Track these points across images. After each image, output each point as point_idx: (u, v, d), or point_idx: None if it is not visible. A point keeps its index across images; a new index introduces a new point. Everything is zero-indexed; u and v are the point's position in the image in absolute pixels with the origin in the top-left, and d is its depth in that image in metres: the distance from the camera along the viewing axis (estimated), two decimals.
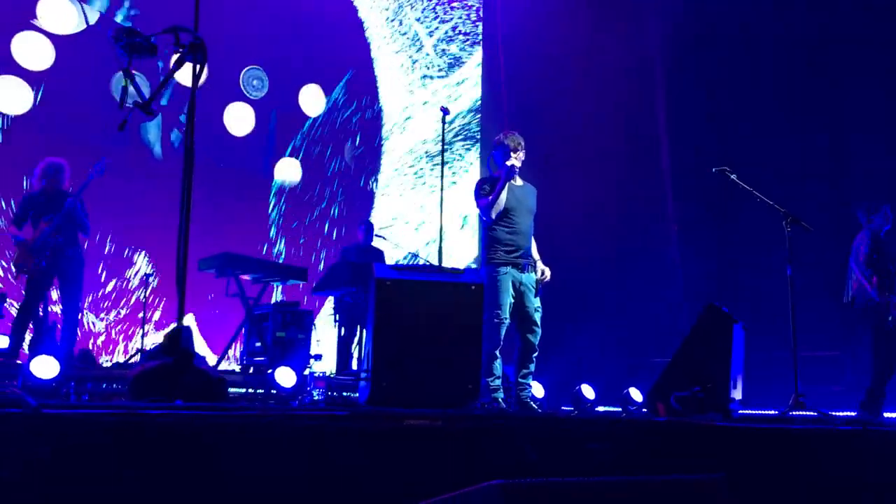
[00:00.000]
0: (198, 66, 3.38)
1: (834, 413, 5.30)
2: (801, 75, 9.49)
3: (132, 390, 3.17)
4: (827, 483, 3.49)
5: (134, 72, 3.45)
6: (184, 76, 3.62)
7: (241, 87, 9.70)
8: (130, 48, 3.50)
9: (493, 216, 4.98)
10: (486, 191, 5.06)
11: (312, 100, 10.35)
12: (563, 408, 7.00)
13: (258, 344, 6.93)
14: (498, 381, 4.89)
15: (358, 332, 7.53)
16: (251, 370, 6.93)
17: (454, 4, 11.61)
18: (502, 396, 4.92)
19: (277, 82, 10.01)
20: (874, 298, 6.15)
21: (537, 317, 5.04)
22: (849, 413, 6.66)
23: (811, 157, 9.39)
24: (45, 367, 4.61)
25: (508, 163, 5.01)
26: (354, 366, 7.45)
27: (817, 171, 9.34)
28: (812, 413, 4.83)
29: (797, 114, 9.41)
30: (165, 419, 2.43)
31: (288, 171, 10.13)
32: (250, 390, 6.37)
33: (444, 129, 5.29)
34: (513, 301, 4.93)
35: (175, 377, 3.04)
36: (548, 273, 5.15)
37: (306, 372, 6.29)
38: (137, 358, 6.98)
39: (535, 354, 5.09)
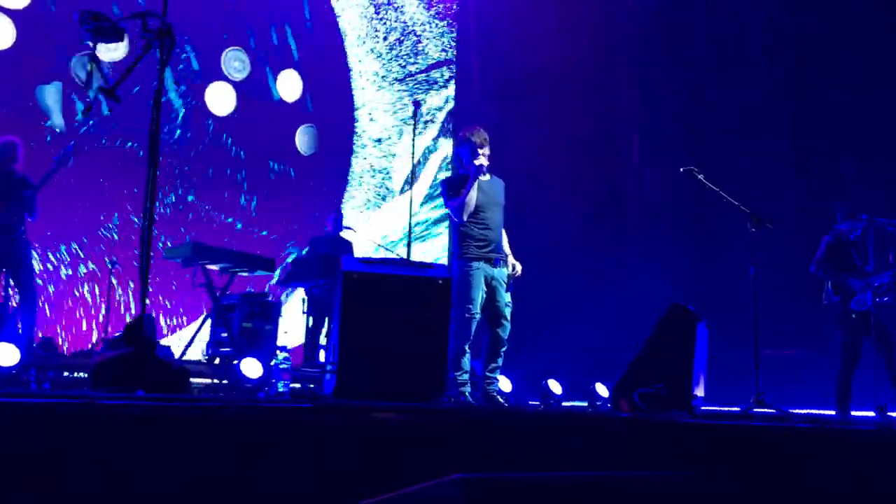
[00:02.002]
0: (166, 52, 3.34)
1: (796, 410, 5.39)
2: (771, 74, 9.62)
3: (93, 379, 3.13)
4: (785, 479, 3.54)
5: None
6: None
7: (223, 68, 9.60)
8: (97, 32, 3.44)
9: (465, 217, 4.97)
10: (454, 190, 5.04)
11: (290, 86, 10.25)
12: (529, 402, 7.04)
13: (224, 334, 6.87)
14: (466, 376, 4.89)
15: (326, 325, 7.50)
16: (217, 361, 6.87)
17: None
18: (469, 391, 4.93)
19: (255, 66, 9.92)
20: (832, 299, 6.28)
21: (508, 312, 5.06)
22: (812, 410, 6.78)
23: (779, 156, 9.52)
24: (4, 355, 4.54)
25: (477, 162, 4.99)
26: (322, 358, 7.42)
27: (785, 169, 9.47)
28: (772, 410, 4.91)
29: (765, 113, 9.53)
30: (125, 409, 2.40)
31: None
32: (215, 381, 6.32)
33: (415, 123, 5.27)
34: (484, 296, 4.93)
35: (136, 367, 3.00)
36: (519, 268, 5.16)
37: (273, 363, 6.25)
38: (100, 347, 6.89)
39: (504, 349, 5.10)
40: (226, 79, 9.63)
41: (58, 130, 8.27)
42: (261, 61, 10.00)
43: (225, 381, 6.24)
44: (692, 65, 10.14)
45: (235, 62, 9.70)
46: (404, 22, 11.39)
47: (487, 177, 5.12)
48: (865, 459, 3.80)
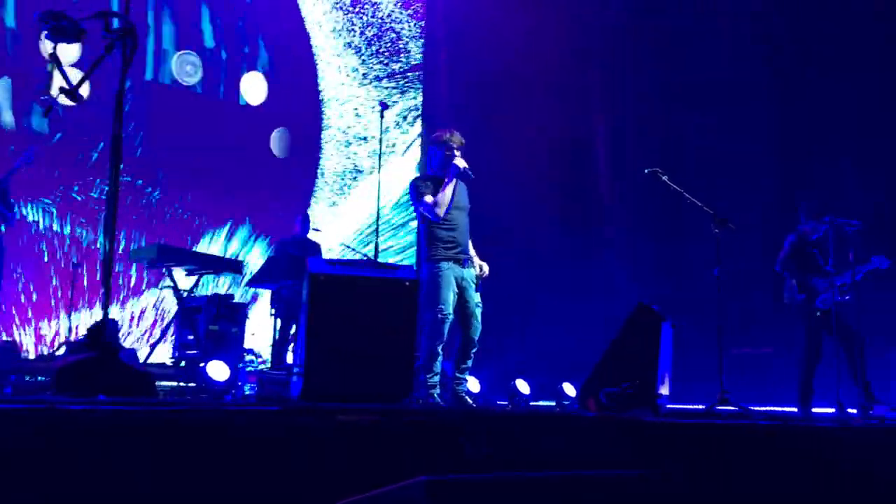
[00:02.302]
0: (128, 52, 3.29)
1: (759, 408, 5.47)
2: (739, 75, 9.74)
3: (55, 384, 3.08)
4: (749, 476, 3.60)
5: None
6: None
7: (174, 72, 9.49)
8: (56, 32, 3.39)
9: (442, 214, 4.96)
10: (427, 189, 5.01)
11: (254, 88, 10.18)
12: (498, 402, 7.06)
13: (191, 337, 6.81)
14: (436, 378, 4.90)
15: (294, 327, 7.46)
16: (183, 364, 6.80)
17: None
18: (438, 392, 4.94)
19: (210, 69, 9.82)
20: (796, 297, 6.39)
21: (478, 312, 5.08)
22: (776, 408, 6.89)
23: (747, 157, 9.65)
24: None
25: (461, 164, 5.00)
26: (290, 360, 7.37)
27: (750, 170, 9.59)
28: (736, 408, 4.97)
29: (735, 115, 9.66)
30: (87, 414, 2.37)
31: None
32: (181, 384, 6.26)
33: (381, 125, 5.27)
34: (455, 297, 4.94)
35: (99, 371, 2.96)
36: (486, 268, 5.18)
37: (240, 366, 6.21)
38: (62, 351, 6.79)
39: (475, 350, 5.12)
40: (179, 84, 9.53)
41: (6, 128, 8.14)
42: (225, 62, 9.92)
43: (191, 384, 6.18)
44: (663, 67, 10.25)
45: (187, 66, 9.60)
46: (381, 18, 11.39)
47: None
48: (826, 455, 3.87)
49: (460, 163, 5.01)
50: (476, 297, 5.08)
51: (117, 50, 3.31)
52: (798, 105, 9.61)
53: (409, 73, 11.48)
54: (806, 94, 9.55)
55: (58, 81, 3.33)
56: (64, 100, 3.31)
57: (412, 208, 6.53)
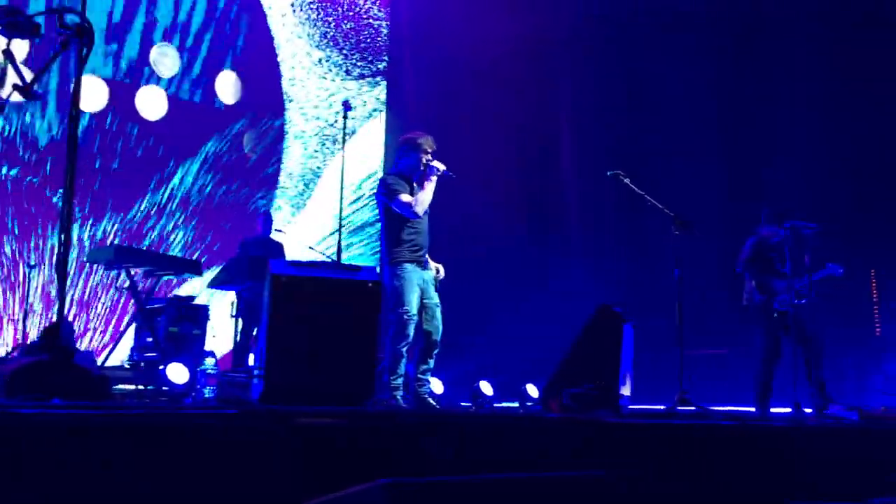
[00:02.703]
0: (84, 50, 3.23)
1: (717, 408, 5.55)
2: (700, 79, 9.86)
3: (7, 387, 3.01)
4: (709, 475, 3.64)
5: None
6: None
7: (152, 64, 9.36)
8: (11, 28, 3.32)
9: (421, 213, 4.95)
10: (402, 188, 4.95)
11: (229, 87, 10.08)
12: (461, 404, 7.06)
13: (150, 339, 6.70)
14: (400, 380, 4.88)
15: (256, 329, 7.39)
16: (142, 366, 6.69)
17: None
18: (401, 394, 4.92)
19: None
20: (755, 298, 6.49)
21: (438, 312, 5.07)
22: (733, 408, 6.98)
23: (706, 160, 9.77)
24: None
25: (441, 166, 5.01)
26: (252, 362, 7.30)
27: (712, 172, 9.72)
28: (695, 408, 5.03)
29: (694, 119, 9.78)
30: (41, 418, 2.32)
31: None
32: (140, 387, 6.16)
33: (344, 125, 5.24)
34: (418, 299, 4.93)
35: (53, 374, 2.90)
36: (442, 271, 5.19)
37: (200, 368, 6.12)
38: (16, 353, 6.64)
39: (436, 351, 5.11)
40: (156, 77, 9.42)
41: None
42: (198, 61, 9.81)
43: (150, 387, 6.09)
44: (627, 68, 10.35)
45: (165, 59, 9.48)
46: (358, 13, 11.37)
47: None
48: (783, 454, 3.93)
49: (440, 165, 5.01)
50: (436, 298, 5.08)
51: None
52: (749, 109, 9.77)
53: (372, 70, 11.45)
54: (756, 98, 9.72)
55: (11, 78, 3.25)
56: (17, 97, 3.24)
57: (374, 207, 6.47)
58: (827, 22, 9.13)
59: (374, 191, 5.14)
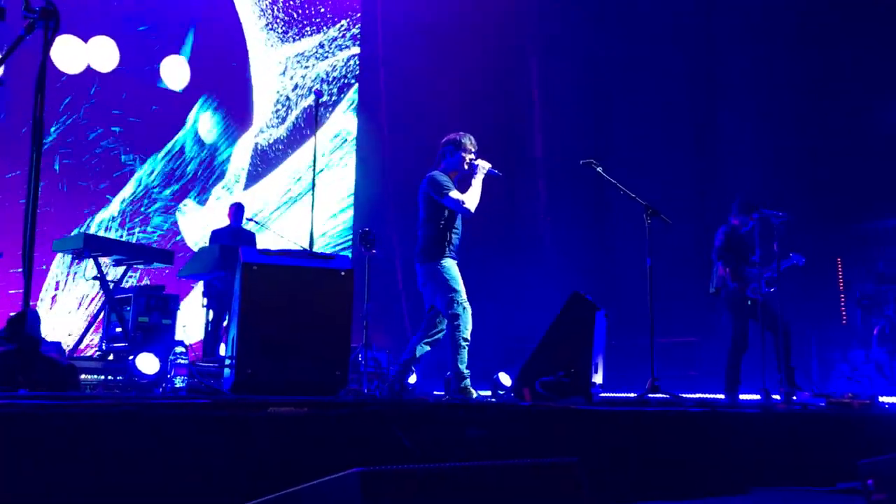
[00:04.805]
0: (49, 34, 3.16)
1: (688, 395, 5.60)
2: (675, 70, 9.91)
3: None
4: (680, 461, 3.68)
5: None
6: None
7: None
8: None
9: (472, 210, 4.98)
10: (452, 185, 4.97)
11: (175, 72, 9.92)
12: (434, 392, 7.06)
13: (119, 329, 6.62)
14: (468, 373, 4.87)
15: (227, 318, 7.33)
16: (111, 357, 6.61)
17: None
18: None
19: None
20: (729, 285, 6.56)
21: None
22: (703, 395, 7.06)
23: (680, 151, 9.84)
24: None
25: (487, 165, 5.06)
26: (223, 352, 7.24)
27: (685, 163, 9.80)
28: (666, 396, 5.07)
29: (669, 112, 9.84)
30: (6, 409, 2.28)
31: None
32: (109, 378, 6.08)
33: (316, 113, 5.20)
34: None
35: (19, 365, 2.85)
36: None
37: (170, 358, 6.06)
38: None
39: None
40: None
41: None
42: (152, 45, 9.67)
43: (120, 378, 6.01)
44: (597, 60, 10.38)
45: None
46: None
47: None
48: (752, 440, 3.99)
49: (485, 164, 5.06)
50: None
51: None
52: (719, 100, 9.85)
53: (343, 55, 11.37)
54: (725, 88, 9.80)
55: None
56: None
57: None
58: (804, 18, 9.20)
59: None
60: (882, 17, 8.59)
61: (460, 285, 4.91)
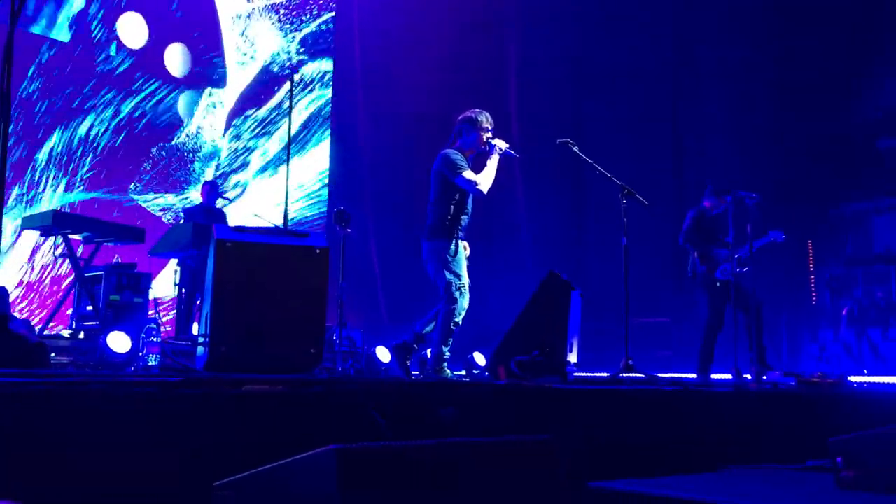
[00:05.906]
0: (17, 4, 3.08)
1: (661, 375, 5.66)
2: (650, 54, 9.93)
3: None
4: (652, 439, 3.71)
5: None
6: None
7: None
8: None
9: (486, 191, 4.89)
10: (466, 164, 4.88)
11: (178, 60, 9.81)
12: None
13: (90, 308, 6.54)
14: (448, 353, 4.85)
15: (200, 297, 7.26)
16: (81, 335, 6.53)
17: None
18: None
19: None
20: (698, 269, 6.63)
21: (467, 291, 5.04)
22: (676, 375, 7.14)
23: (655, 134, 9.88)
24: None
25: (504, 145, 4.94)
26: (196, 331, 7.18)
27: (660, 146, 9.84)
28: (640, 375, 5.11)
29: (645, 97, 9.86)
30: None
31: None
32: (80, 357, 6.00)
33: (291, 90, 5.13)
34: None
35: None
36: (468, 248, 5.14)
37: (142, 336, 5.99)
38: None
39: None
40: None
41: None
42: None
43: (90, 357, 5.94)
44: (574, 41, 10.36)
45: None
46: None
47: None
48: (725, 419, 4.03)
49: (502, 143, 4.94)
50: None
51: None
52: (692, 85, 9.90)
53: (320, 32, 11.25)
54: (700, 73, 9.85)
55: None
56: None
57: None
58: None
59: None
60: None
61: (463, 270, 4.86)
